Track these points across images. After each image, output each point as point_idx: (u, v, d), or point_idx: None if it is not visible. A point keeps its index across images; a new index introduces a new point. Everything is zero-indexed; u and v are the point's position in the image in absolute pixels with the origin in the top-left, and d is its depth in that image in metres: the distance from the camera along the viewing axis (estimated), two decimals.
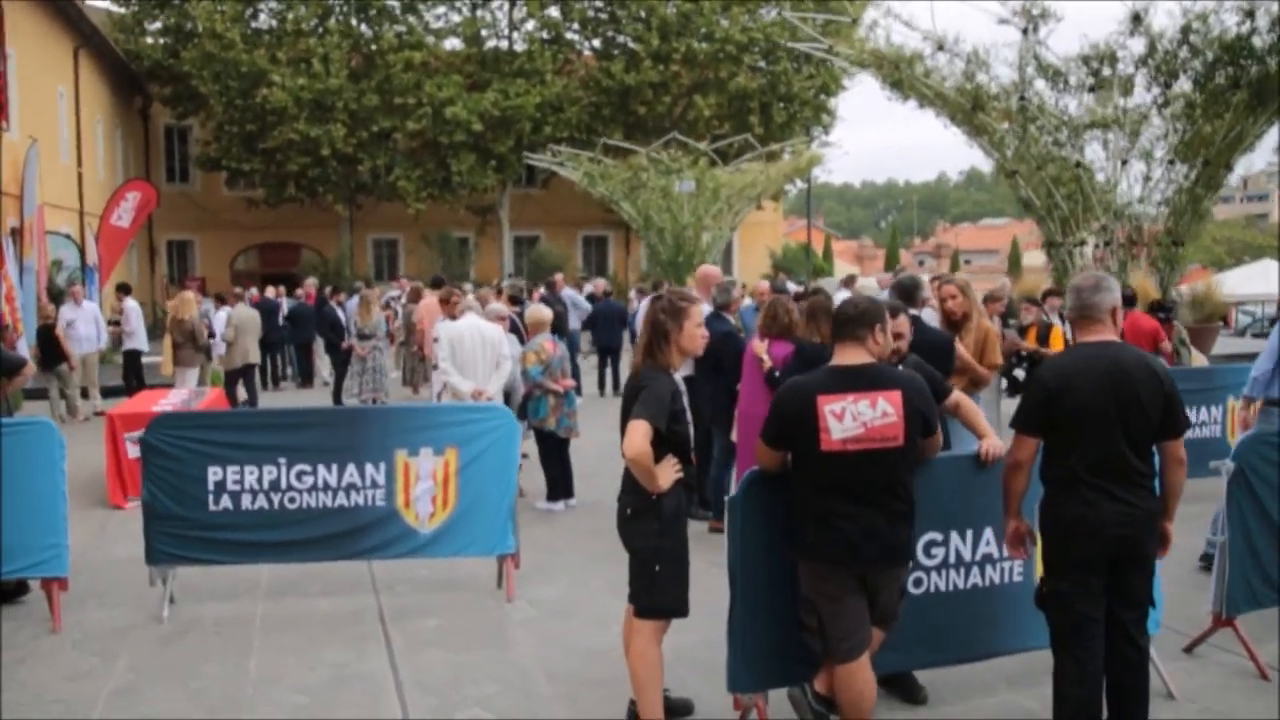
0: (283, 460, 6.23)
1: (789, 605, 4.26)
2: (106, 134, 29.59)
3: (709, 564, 5.36)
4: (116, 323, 16.51)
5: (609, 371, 16.67)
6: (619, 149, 29.25)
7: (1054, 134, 16.27)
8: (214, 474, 6.16)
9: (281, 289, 20.61)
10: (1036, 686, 4.79)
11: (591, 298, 19.27)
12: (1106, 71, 15.86)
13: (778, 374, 6.95)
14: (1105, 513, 3.97)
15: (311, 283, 20.05)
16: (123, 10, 31.80)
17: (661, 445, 4.21)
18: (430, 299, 13.87)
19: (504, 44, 33.85)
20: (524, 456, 7.39)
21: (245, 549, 6.30)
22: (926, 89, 16.58)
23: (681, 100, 33.08)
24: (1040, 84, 16.30)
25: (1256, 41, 14.76)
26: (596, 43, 34.29)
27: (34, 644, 5.84)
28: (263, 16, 32.30)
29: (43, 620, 6.09)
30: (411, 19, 32.58)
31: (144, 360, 15.73)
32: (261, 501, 6.22)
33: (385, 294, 19.65)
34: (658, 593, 4.32)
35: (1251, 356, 16.72)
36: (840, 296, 11.19)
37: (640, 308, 16.58)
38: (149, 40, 31.92)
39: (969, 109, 16.33)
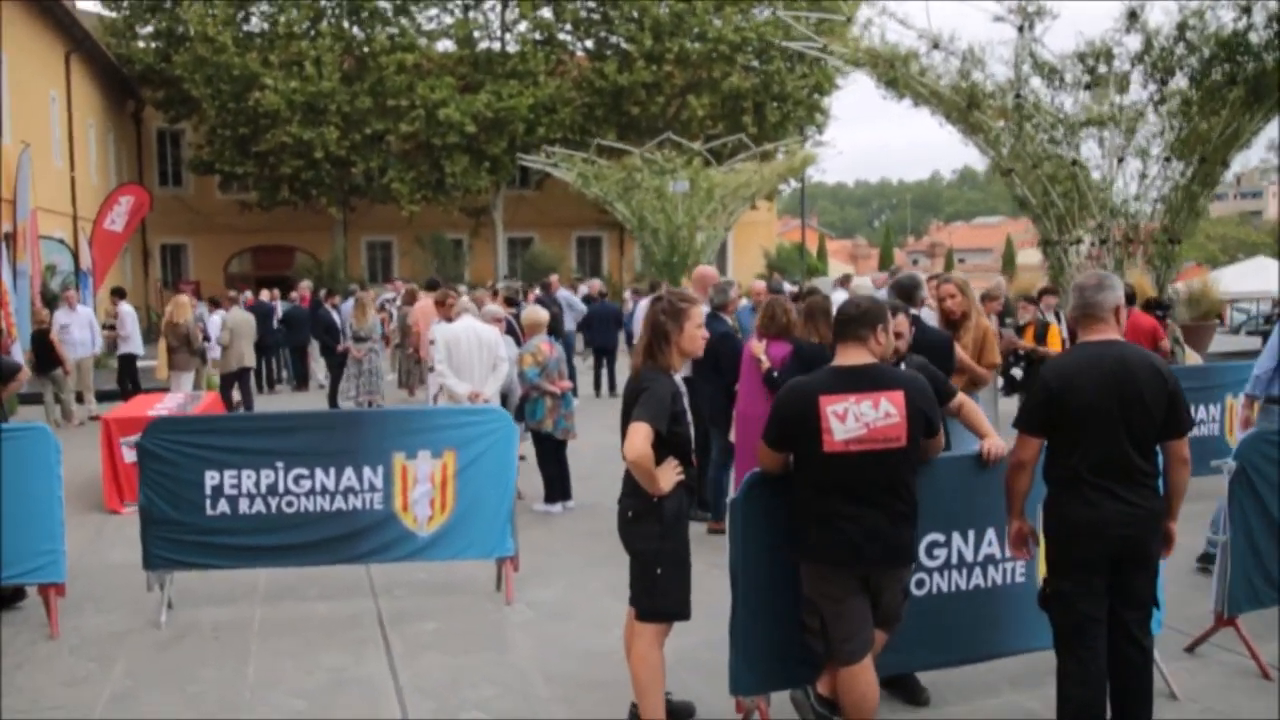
0: (280, 464, 6.20)
1: (791, 607, 4.24)
2: (99, 138, 29.51)
3: (710, 565, 5.34)
4: (111, 327, 16.47)
5: (604, 372, 16.64)
6: (613, 150, 29.25)
7: (1050, 132, 16.25)
8: (211, 478, 6.13)
9: (276, 292, 20.58)
10: (1039, 687, 4.77)
11: (587, 299, 19.23)
12: (1102, 69, 15.84)
13: (776, 374, 6.93)
14: (1108, 513, 3.95)
15: (306, 285, 20.01)
16: (114, 14, 31.78)
17: (662, 447, 4.19)
18: (425, 301, 13.85)
19: (496, 45, 33.84)
20: (521, 458, 7.37)
21: (243, 553, 6.27)
22: (922, 87, 16.56)
23: (675, 100, 33.10)
24: (1036, 81, 16.27)
25: (1253, 38, 14.75)
26: (589, 43, 34.28)
27: (31, 649, 5.81)
28: (254, 20, 32.23)
29: (40, 626, 6.06)
30: (404, 21, 32.54)
31: (139, 364, 15.69)
32: (259, 506, 6.19)
33: (380, 296, 19.62)
34: (659, 596, 4.30)
35: (1248, 354, 16.77)
36: (836, 296, 11.18)
37: (637, 309, 16.58)
38: (141, 44, 31.90)
39: (964, 107, 16.32)
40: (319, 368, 18.34)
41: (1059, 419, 4.02)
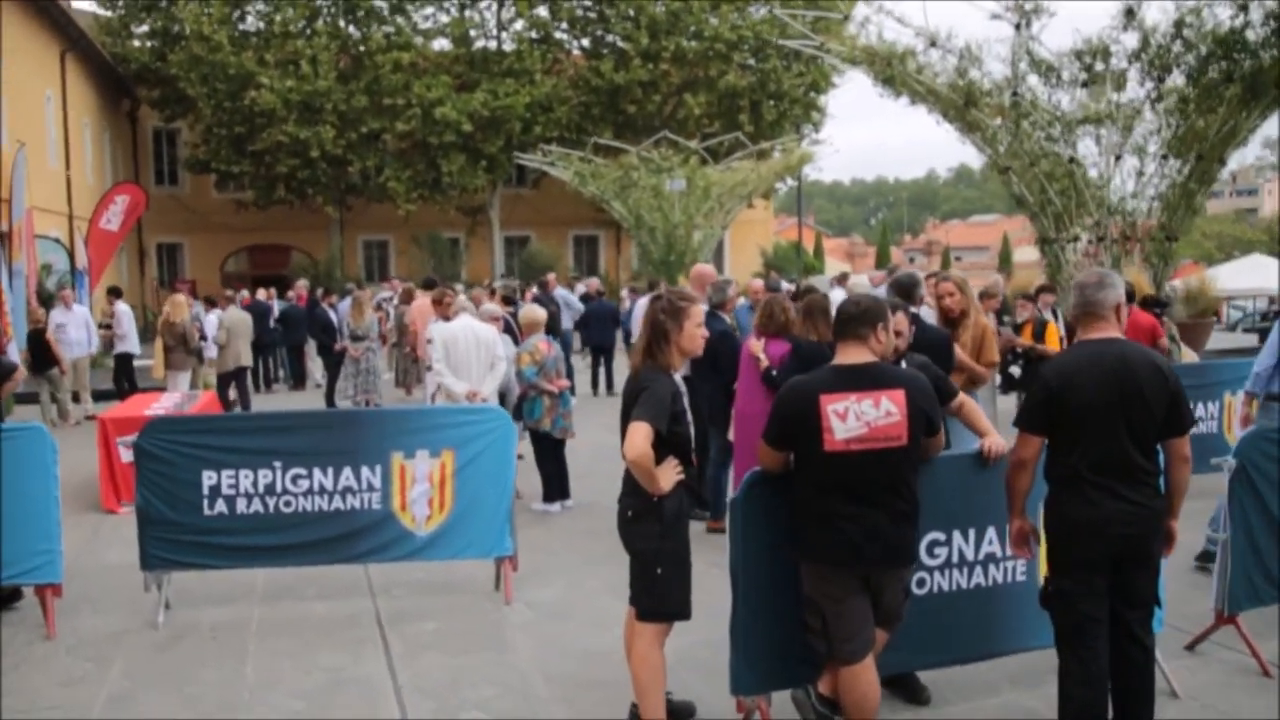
0: (278, 464, 6.18)
1: (792, 606, 4.22)
2: (95, 137, 29.45)
3: (710, 565, 5.32)
4: (108, 326, 16.43)
5: (602, 371, 16.63)
6: (609, 148, 29.23)
7: (1047, 129, 16.23)
8: (208, 478, 6.11)
9: (272, 291, 20.57)
10: (1040, 686, 4.76)
11: (585, 297, 19.21)
12: (1099, 66, 15.82)
13: (775, 373, 6.92)
14: (1109, 511, 3.94)
15: (303, 284, 19.99)
16: (110, 13, 31.72)
17: (662, 447, 4.17)
18: (422, 300, 13.82)
19: (493, 44, 33.78)
20: (519, 457, 7.36)
21: (240, 553, 6.25)
22: (919, 85, 16.54)
23: (671, 99, 33.06)
24: (1033, 79, 16.25)
25: (1250, 35, 14.73)
26: (585, 42, 34.24)
27: (28, 650, 5.78)
28: (250, 18, 32.17)
29: (37, 626, 6.04)
30: (400, 20, 32.47)
31: (135, 364, 15.65)
32: (257, 505, 6.17)
33: (377, 295, 19.60)
34: (660, 596, 4.28)
35: (1245, 351, 16.77)
36: (833, 294, 11.18)
37: (635, 307, 16.58)
38: (136, 43, 31.83)
39: (961, 105, 16.30)
40: (316, 367, 18.30)
41: (1060, 417, 4.01)
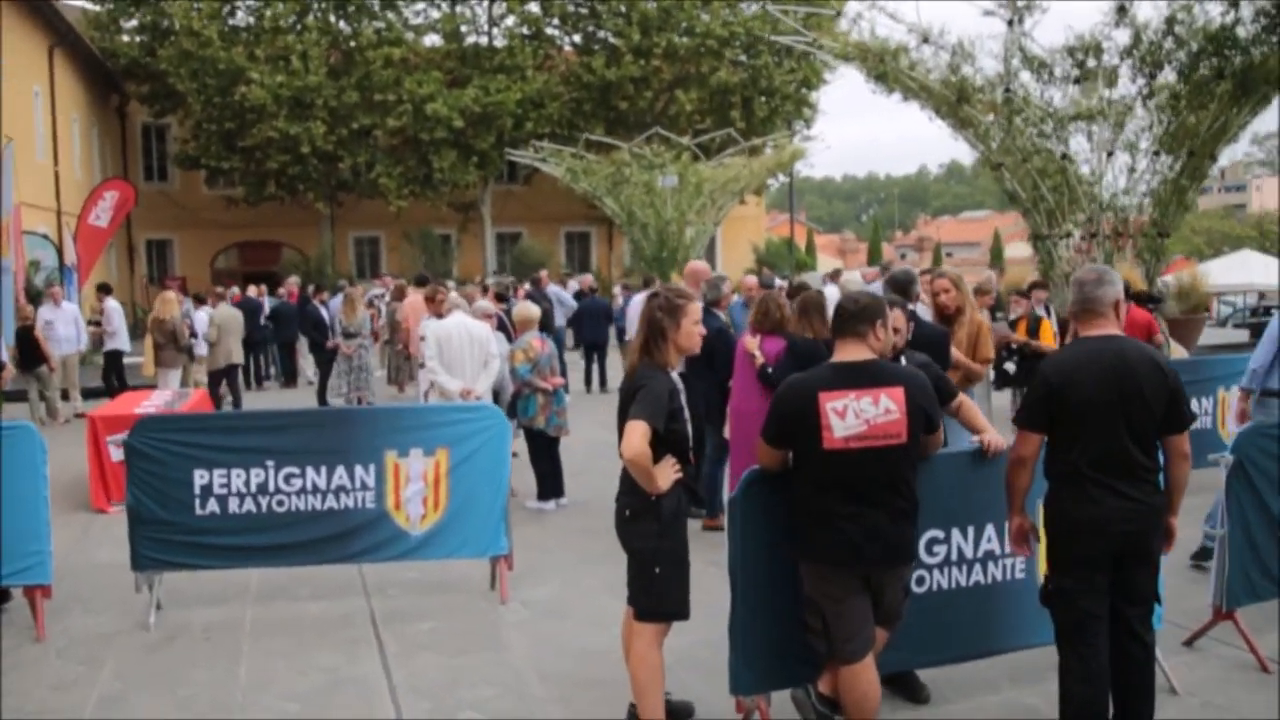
0: (270, 463, 6.13)
1: (791, 605, 4.20)
2: (83, 133, 29.30)
3: (708, 564, 5.30)
4: (97, 323, 16.34)
5: (595, 368, 16.60)
6: (601, 144, 29.19)
7: (1039, 126, 16.26)
8: (200, 477, 6.05)
9: (263, 288, 20.47)
10: (1041, 683, 4.74)
11: (578, 294, 19.18)
12: (1091, 63, 15.86)
13: (770, 370, 6.90)
14: (1109, 509, 3.92)
15: (294, 281, 19.90)
16: (98, 8, 31.51)
17: (660, 445, 4.14)
18: (415, 297, 13.78)
19: (484, 40, 33.72)
20: (514, 455, 7.32)
21: (233, 553, 6.20)
22: (911, 82, 16.55)
23: (663, 95, 33.04)
24: (1025, 76, 16.29)
25: (1241, 32, 14.79)
26: (577, 38, 34.21)
27: (18, 652, 5.72)
28: (240, 13, 32.07)
29: (26, 628, 5.98)
30: (390, 15, 32.38)
31: (125, 361, 15.57)
32: (249, 505, 6.12)
33: (369, 292, 19.54)
34: (658, 595, 4.25)
35: (1236, 347, 16.79)
36: (828, 291, 11.14)
37: (629, 304, 16.53)
38: (125, 38, 31.71)
39: (954, 101, 16.31)
40: (307, 364, 18.23)
41: (1059, 414, 3.99)
